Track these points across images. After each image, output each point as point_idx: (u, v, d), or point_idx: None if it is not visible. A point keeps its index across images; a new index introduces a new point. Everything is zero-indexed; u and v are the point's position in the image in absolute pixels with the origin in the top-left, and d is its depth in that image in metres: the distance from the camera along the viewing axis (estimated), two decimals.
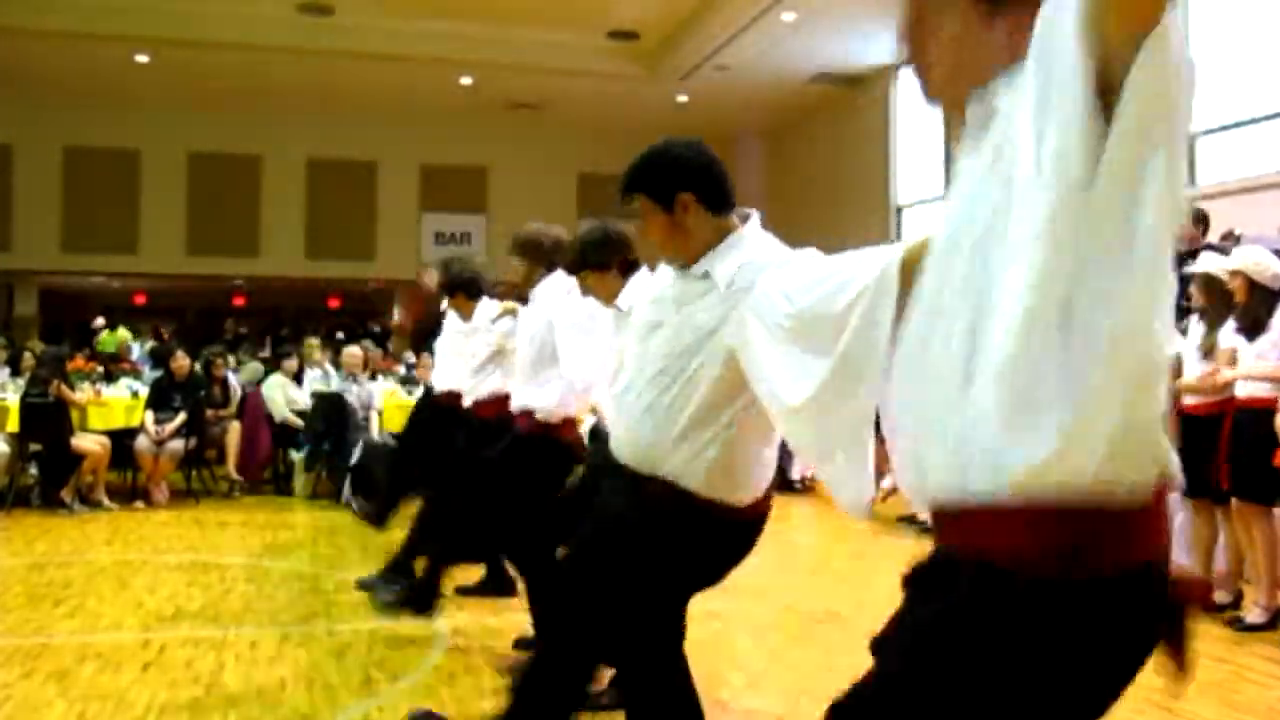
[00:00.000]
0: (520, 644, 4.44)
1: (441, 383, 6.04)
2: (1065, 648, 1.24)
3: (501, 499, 4.32)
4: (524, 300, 4.59)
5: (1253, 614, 5.12)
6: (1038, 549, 1.24)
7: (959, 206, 1.36)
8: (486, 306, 5.27)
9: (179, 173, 16.18)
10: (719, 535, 2.49)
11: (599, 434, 3.78)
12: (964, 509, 1.29)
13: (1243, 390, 5.17)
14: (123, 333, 15.51)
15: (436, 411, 6.02)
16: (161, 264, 16.59)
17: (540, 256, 4.47)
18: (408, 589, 4.79)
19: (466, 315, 5.53)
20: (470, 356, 5.29)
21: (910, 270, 1.66)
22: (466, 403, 5.23)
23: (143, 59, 13.52)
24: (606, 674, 3.37)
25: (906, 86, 13.47)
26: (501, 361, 5.00)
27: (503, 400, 4.74)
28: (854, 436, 1.82)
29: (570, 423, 4.42)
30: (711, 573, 2.58)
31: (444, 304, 6.21)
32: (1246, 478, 5.07)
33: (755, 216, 2.54)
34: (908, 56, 1.50)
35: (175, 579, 5.87)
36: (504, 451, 4.33)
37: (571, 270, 3.79)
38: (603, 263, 3.66)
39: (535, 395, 4.27)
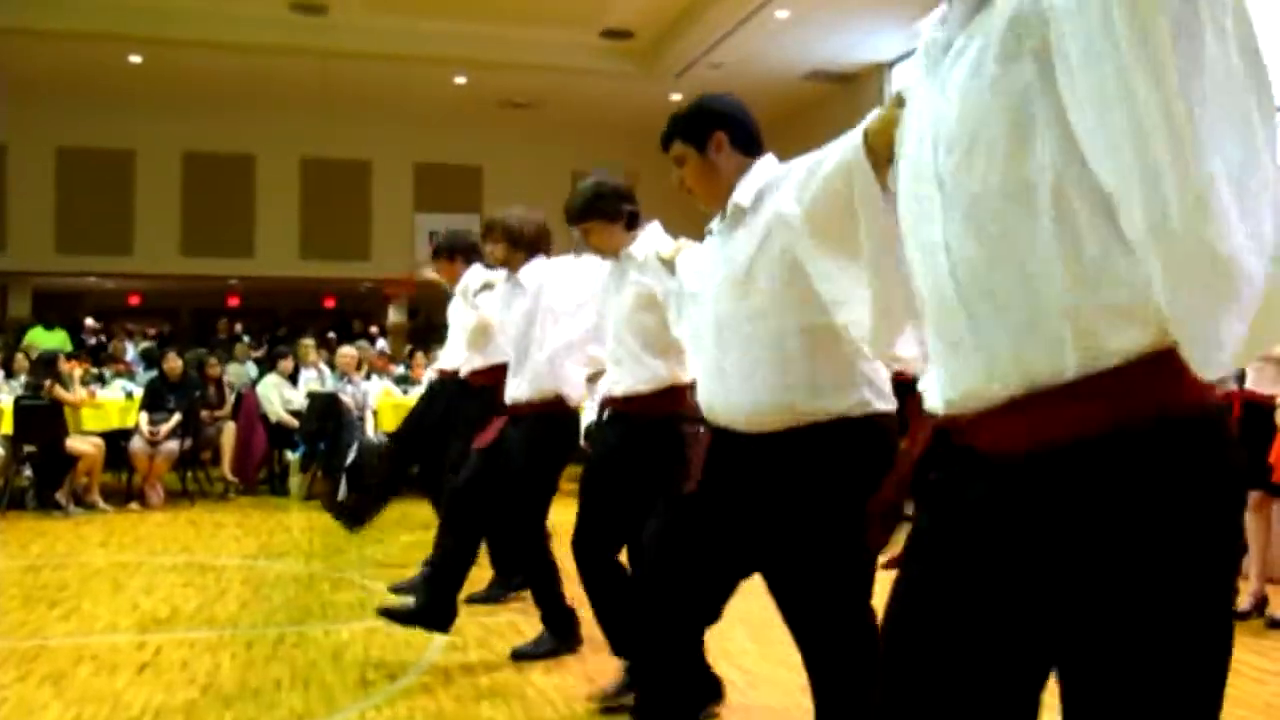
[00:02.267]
0: (518, 655, 4.41)
1: (446, 360, 6.00)
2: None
3: (529, 499, 4.34)
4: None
5: (1244, 602, 5.17)
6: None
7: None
8: (473, 275, 5.22)
9: (173, 173, 16.15)
10: (882, 446, 2.40)
11: (603, 424, 3.76)
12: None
13: (1251, 384, 5.19)
14: (60, 335, 14.46)
15: (434, 396, 6.00)
16: (156, 264, 16.55)
17: (520, 242, 4.46)
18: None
19: (451, 281, 5.48)
20: (461, 329, 5.30)
21: (877, 142, 1.78)
22: (463, 372, 5.23)
23: (136, 59, 13.49)
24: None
25: (901, 84, 13.48)
26: (487, 333, 4.99)
27: (495, 370, 4.75)
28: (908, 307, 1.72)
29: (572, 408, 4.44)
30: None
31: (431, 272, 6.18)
32: (1258, 469, 5.10)
33: (769, 154, 2.63)
34: None
35: (171, 580, 5.86)
36: (524, 449, 4.32)
37: (575, 221, 3.74)
38: (610, 213, 3.65)
39: (526, 387, 4.28)
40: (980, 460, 1.32)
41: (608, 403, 3.73)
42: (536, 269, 4.40)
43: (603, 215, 3.65)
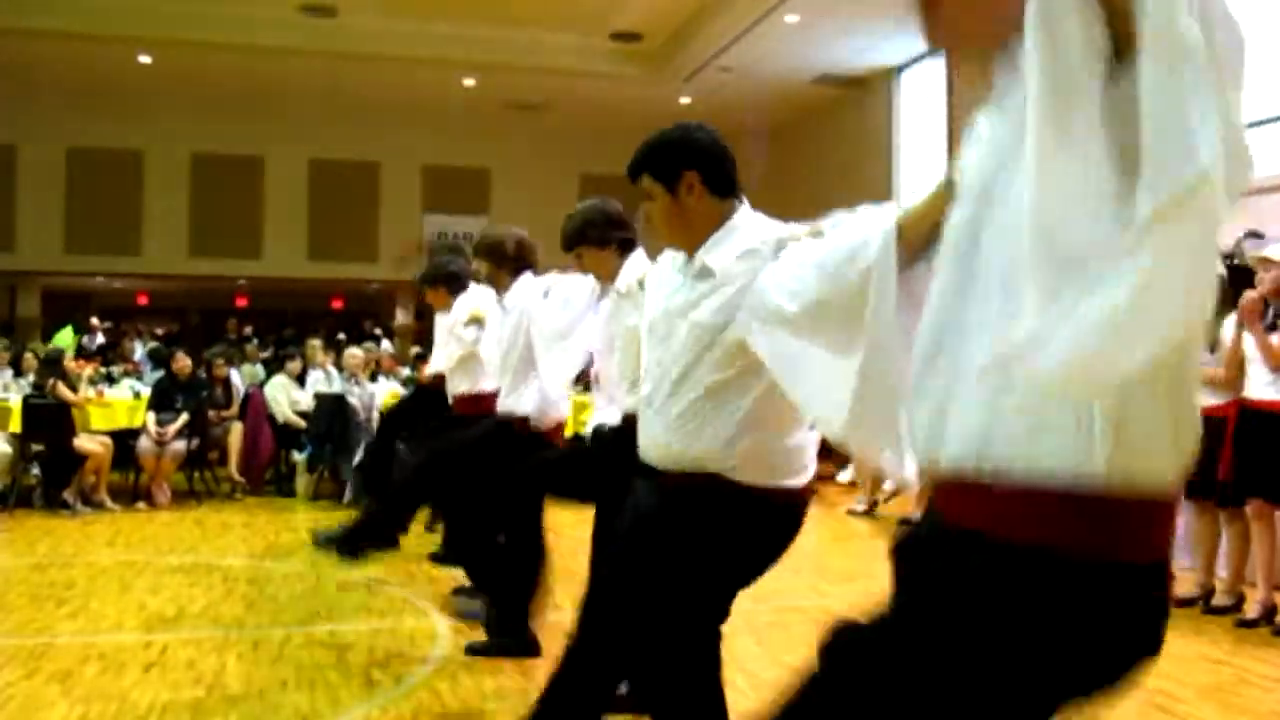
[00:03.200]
0: (459, 591, 4.46)
1: (435, 365, 6.06)
2: (1079, 630, 1.25)
3: (479, 481, 4.37)
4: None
5: (1253, 610, 5.15)
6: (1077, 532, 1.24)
7: (987, 158, 1.34)
8: (463, 303, 5.25)
9: (182, 174, 16.18)
10: (763, 521, 2.44)
11: (600, 433, 3.76)
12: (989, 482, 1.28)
13: (1257, 393, 5.15)
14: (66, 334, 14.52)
15: (423, 397, 6.06)
16: (164, 265, 16.58)
17: (503, 260, 4.49)
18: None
19: (443, 308, 5.50)
20: (447, 356, 5.34)
21: (909, 236, 1.68)
22: (450, 395, 5.30)
23: (146, 60, 13.52)
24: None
25: (910, 88, 13.47)
26: (472, 364, 5.03)
27: (477, 399, 4.85)
28: (891, 420, 1.73)
29: (559, 427, 4.48)
30: (758, 561, 2.52)
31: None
32: (1259, 478, 5.07)
33: (744, 203, 2.52)
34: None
35: (177, 580, 5.87)
36: (489, 437, 4.38)
37: (568, 246, 3.74)
38: (602, 239, 3.65)
39: (516, 403, 4.33)
40: (933, 516, 1.41)
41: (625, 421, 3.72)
42: (520, 289, 4.43)
43: (592, 242, 3.66)
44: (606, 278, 3.70)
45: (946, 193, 1.54)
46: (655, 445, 2.48)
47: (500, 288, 4.55)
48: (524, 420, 4.38)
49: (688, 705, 2.74)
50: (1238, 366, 5.22)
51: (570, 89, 14.59)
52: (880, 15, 11.19)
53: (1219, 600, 5.39)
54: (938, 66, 12.50)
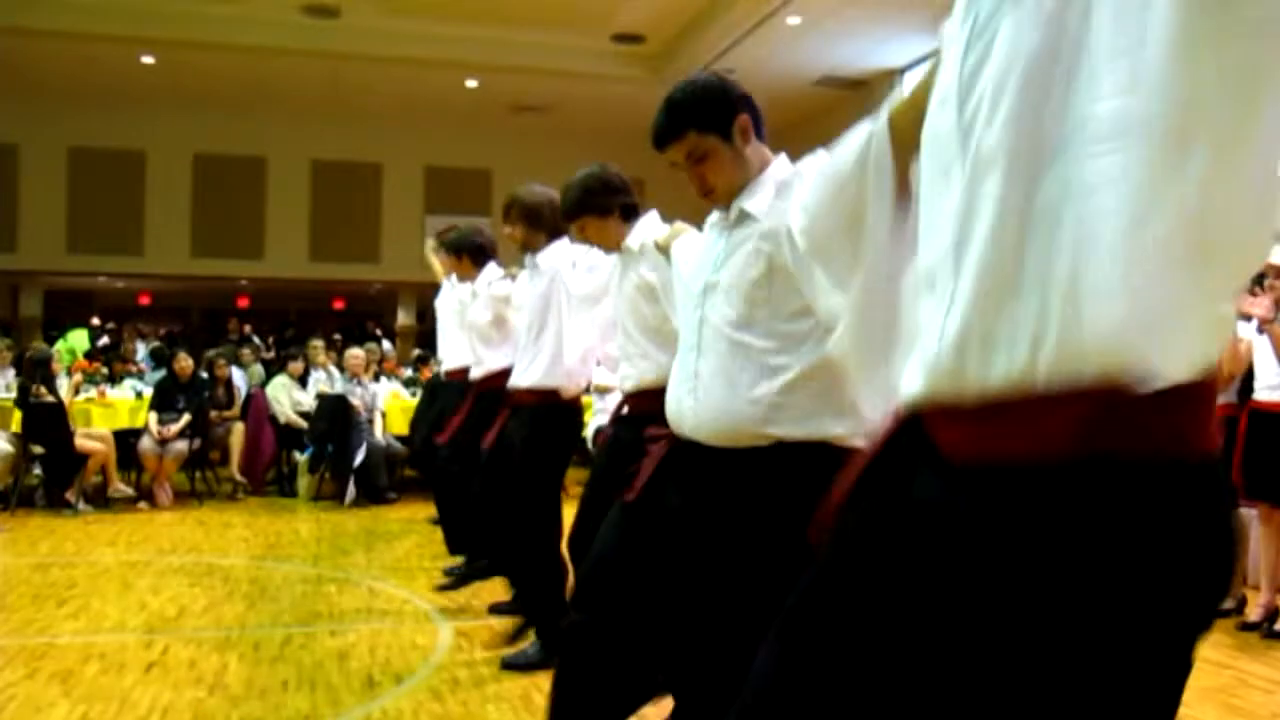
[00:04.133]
0: (495, 608, 4.42)
1: (449, 360, 5.99)
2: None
3: (530, 489, 4.23)
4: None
5: (1255, 613, 5.16)
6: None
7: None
8: (489, 273, 5.19)
9: (184, 174, 16.19)
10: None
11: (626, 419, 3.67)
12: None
13: (1265, 395, 5.16)
14: (76, 337, 13.89)
15: (443, 393, 5.99)
16: (166, 265, 16.59)
17: (540, 223, 4.35)
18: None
19: (469, 276, 5.39)
20: (470, 328, 5.22)
21: (901, 130, 1.47)
22: (475, 374, 5.17)
23: (148, 60, 13.53)
24: None
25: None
26: (504, 330, 4.92)
27: (509, 373, 4.56)
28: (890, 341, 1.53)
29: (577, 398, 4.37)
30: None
31: (442, 276, 6.18)
32: (1267, 481, 5.07)
33: (781, 154, 2.41)
34: None
35: (179, 580, 5.88)
36: (526, 440, 4.25)
37: (570, 216, 3.59)
38: (605, 207, 3.50)
39: (543, 374, 4.19)
40: (940, 463, 1.19)
41: (622, 401, 3.57)
42: (554, 252, 4.27)
43: (595, 210, 3.50)
44: (611, 246, 3.54)
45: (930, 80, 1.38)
46: (709, 420, 2.27)
47: (534, 251, 4.41)
48: (554, 393, 4.22)
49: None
50: (1236, 366, 5.22)
51: (572, 90, 14.59)
52: (883, 17, 11.20)
53: (1228, 603, 5.40)
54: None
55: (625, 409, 3.55)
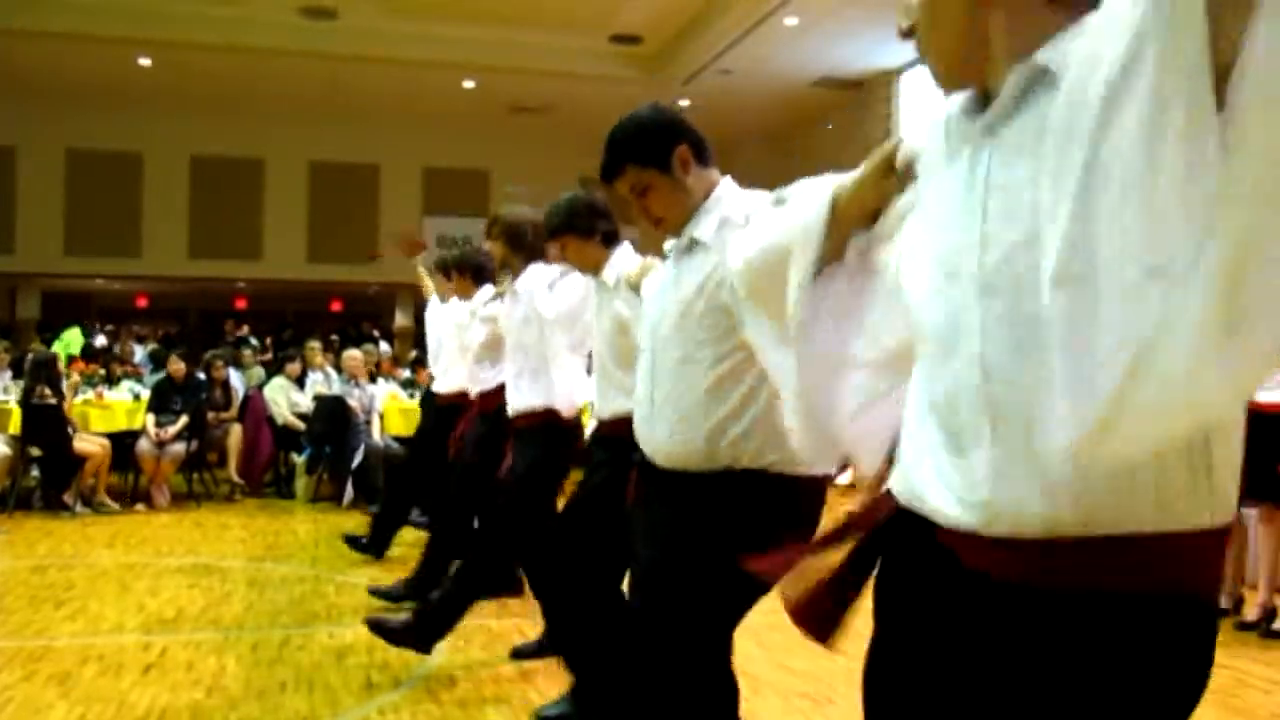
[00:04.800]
0: (518, 654, 4.42)
1: (444, 384, 6.03)
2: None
3: (522, 508, 4.25)
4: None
5: (1252, 612, 5.16)
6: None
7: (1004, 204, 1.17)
8: (483, 294, 5.24)
9: (181, 176, 16.20)
10: (792, 506, 2.31)
11: (601, 440, 3.72)
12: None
13: (1264, 396, 5.17)
14: (71, 334, 14.00)
15: (441, 417, 5.99)
16: (164, 267, 16.60)
17: (521, 245, 4.45)
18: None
19: (467, 295, 5.44)
20: (465, 350, 5.29)
21: (843, 216, 1.56)
22: (473, 393, 5.21)
23: (145, 62, 13.53)
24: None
25: (909, 91, 13.48)
26: (498, 350, 4.96)
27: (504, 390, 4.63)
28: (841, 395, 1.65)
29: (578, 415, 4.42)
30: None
31: (431, 294, 6.21)
32: (1266, 481, 5.08)
33: (727, 177, 2.47)
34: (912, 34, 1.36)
35: (177, 582, 5.87)
36: (527, 465, 4.28)
37: (554, 233, 3.68)
38: (588, 229, 3.59)
39: (536, 396, 4.26)
40: (961, 571, 1.25)
41: (599, 425, 3.68)
42: (530, 276, 4.39)
43: (577, 231, 3.60)
44: (589, 269, 3.65)
45: (887, 173, 1.48)
46: (660, 443, 2.39)
47: (513, 272, 4.51)
48: (553, 412, 4.27)
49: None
50: None
51: (570, 91, 14.60)
52: (881, 18, 11.19)
53: (1224, 603, 5.41)
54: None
55: (598, 435, 3.66)
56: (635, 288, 3.14)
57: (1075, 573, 1.16)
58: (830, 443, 1.66)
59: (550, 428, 4.25)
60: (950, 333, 1.23)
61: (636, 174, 2.41)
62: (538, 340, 4.24)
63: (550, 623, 4.12)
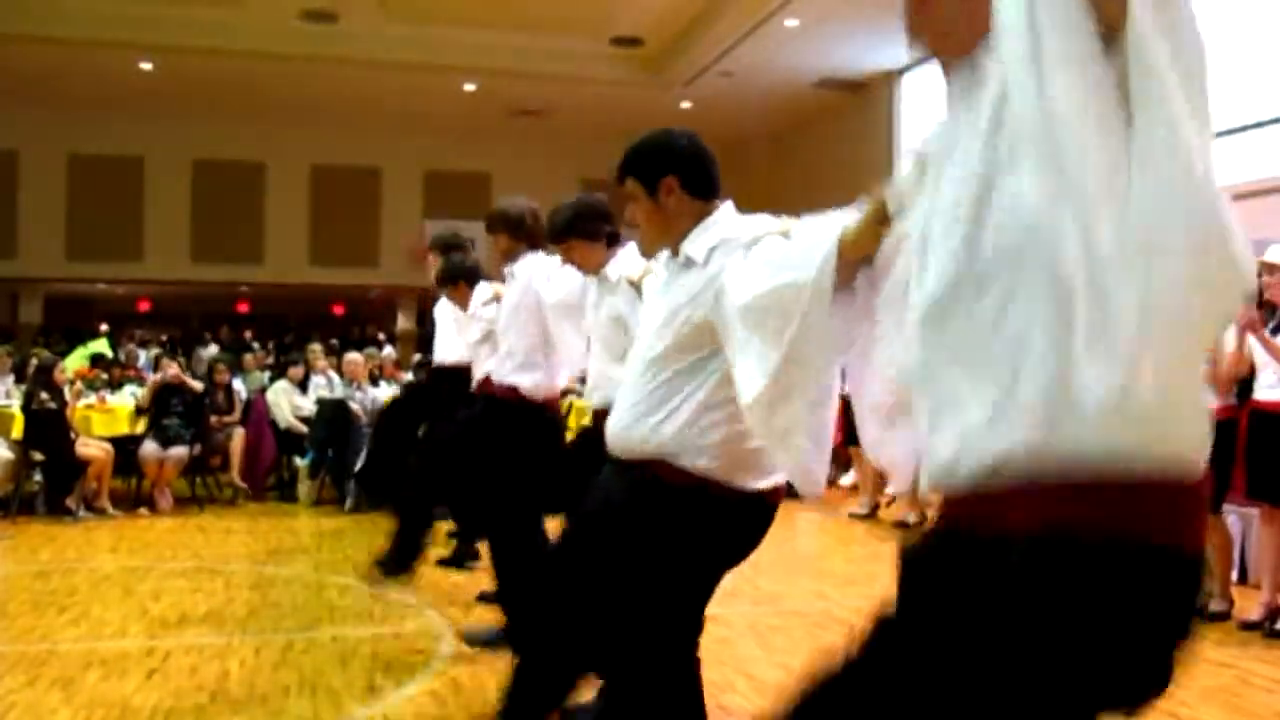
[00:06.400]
0: (483, 597, 4.64)
1: (446, 355, 6.06)
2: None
3: (477, 464, 4.44)
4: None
5: (1256, 612, 5.15)
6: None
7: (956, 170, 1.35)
8: (480, 292, 5.29)
9: (183, 180, 16.21)
10: (723, 518, 2.46)
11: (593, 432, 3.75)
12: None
13: (1265, 395, 5.15)
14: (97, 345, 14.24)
15: (439, 378, 6.06)
16: (166, 271, 16.62)
17: (520, 233, 4.54)
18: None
19: (464, 304, 5.49)
20: (465, 342, 5.43)
21: (849, 251, 1.85)
22: (477, 377, 5.28)
23: (147, 66, 13.55)
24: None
25: (910, 92, 13.48)
26: (493, 343, 5.03)
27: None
28: (812, 423, 1.98)
29: (554, 399, 4.53)
30: (713, 561, 2.55)
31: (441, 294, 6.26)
32: (1266, 480, 5.07)
33: (727, 203, 2.60)
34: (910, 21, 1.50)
35: (179, 585, 5.87)
36: (480, 416, 4.42)
37: (557, 238, 3.78)
38: (593, 232, 3.69)
39: (520, 377, 4.35)
40: (949, 528, 1.39)
41: (593, 415, 3.80)
42: (528, 262, 4.48)
43: (583, 234, 3.70)
44: (593, 271, 3.74)
45: (883, 221, 1.70)
46: (616, 432, 2.55)
47: (511, 260, 4.60)
48: (514, 390, 4.42)
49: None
50: (1237, 369, 5.22)
51: (571, 94, 14.61)
52: (881, 19, 11.19)
53: (1215, 606, 5.38)
54: (938, 70, 12.51)
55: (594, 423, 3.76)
56: (637, 287, 3.28)
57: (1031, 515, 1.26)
58: (823, 459, 2.03)
59: (523, 407, 4.39)
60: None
61: (632, 184, 2.60)
62: (527, 321, 4.33)
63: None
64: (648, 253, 2.71)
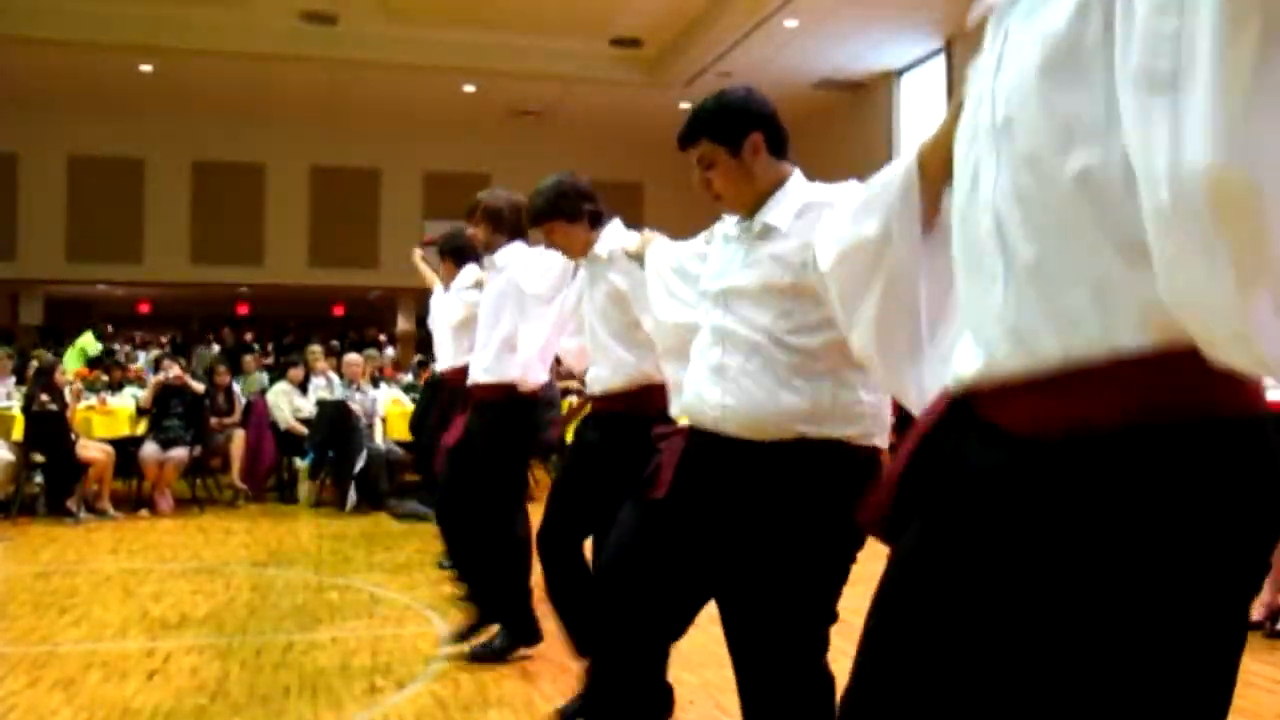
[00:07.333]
0: (475, 656, 4.40)
1: (442, 362, 6.05)
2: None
3: (496, 480, 4.36)
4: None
5: (1257, 612, 5.14)
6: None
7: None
8: (465, 274, 5.27)
9: (183, 181, 16.22)
10: (862, 477, 2.29)
11: (593, 419, 3.67)
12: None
13: (1270, 395, 5.16)
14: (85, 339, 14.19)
15: (436, 395, 6.06)
16: (166, 272, 16.62)
17: (502, 225, 4.49)
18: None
19: (446, 281, 5.48)
20: (442, 324, 5.38)
21: (929, 167, 1.62)
22: (441, 369, 5.34)
23: (147, 68, 13.56)
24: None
25: (910, 92, 13.48)
26: (470, 329, 5.00)
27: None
28: (915, 355, 1.72)
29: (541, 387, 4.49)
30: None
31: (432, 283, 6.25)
32: None
33: (797, 168, 2.52)
34: None
35: (180, 587, 5.87)
36: (487, 434, 4.37)
37: (537, 221, 3.66)
38: (575, 212, 3.57)
39: (502, 369, 4.31)
40: (1000, 436, 1.26)
41: (592, 403, 3.66)
42: (509, 251, 4.41)
43: (565, 215, 3.57)
44: (577, 253, 3.63)
45: (954, 116, 1.49)
46: (737, 415, 2.37)
47: (491, 252, 4.56)
48: (511, 386, 4.33)
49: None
50: None
51: (570, 95, 14.62)
52: (880, 19, 11.22)
53: None
54: (938, 69, 12.52)
55: (591, 412, 3.66)
56: (636, 258, 3.16)
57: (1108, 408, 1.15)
58: (915, 379, 1.69)
59: (513, 400, 4.30)
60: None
61: (708, 148, 2.47)
62: (510, 313, 4.28)
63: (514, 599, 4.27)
64: (739, 213, 2.52)
